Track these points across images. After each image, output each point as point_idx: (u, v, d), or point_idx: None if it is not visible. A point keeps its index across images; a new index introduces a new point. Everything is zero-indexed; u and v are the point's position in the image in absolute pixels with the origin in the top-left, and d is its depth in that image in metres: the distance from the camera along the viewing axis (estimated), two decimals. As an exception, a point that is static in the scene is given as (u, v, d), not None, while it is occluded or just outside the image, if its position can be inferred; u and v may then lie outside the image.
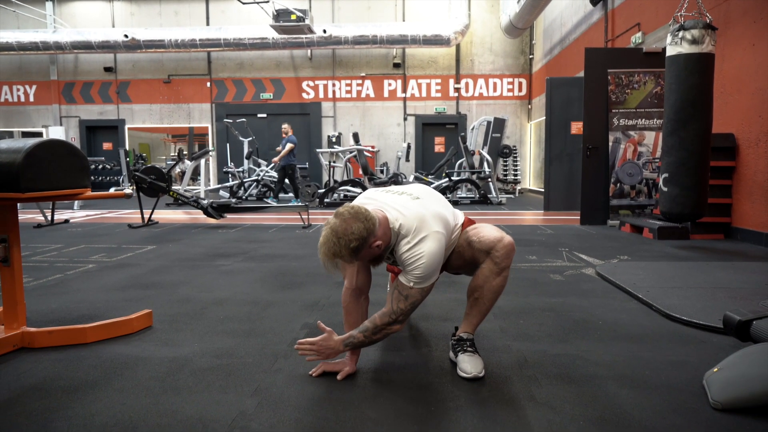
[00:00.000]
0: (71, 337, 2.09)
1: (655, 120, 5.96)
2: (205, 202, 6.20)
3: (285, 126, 9.46)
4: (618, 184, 6.07)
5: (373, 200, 1.77)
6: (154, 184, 6.16)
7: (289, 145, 9.15)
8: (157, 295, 2.92)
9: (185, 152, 13.67)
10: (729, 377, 1.59)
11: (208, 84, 13.50)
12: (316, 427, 1.45)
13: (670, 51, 4.24)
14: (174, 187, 7.84)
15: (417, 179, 10.82)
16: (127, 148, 13.70)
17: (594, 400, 1.60)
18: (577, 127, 7.75)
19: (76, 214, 7.58)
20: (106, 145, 14.13)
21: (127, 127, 13.83)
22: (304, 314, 2.54)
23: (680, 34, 4.14)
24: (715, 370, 1.66)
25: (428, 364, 1.90)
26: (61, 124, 13.83)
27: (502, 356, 1.96)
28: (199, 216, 7.18)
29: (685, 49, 4.12)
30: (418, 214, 1.68)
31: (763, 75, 4.44)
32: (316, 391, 1.67)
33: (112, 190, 11.36)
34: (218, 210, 6.18)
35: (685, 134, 4.18)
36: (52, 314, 2.54)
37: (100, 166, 12.62)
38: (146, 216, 6.25)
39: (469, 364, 1.76)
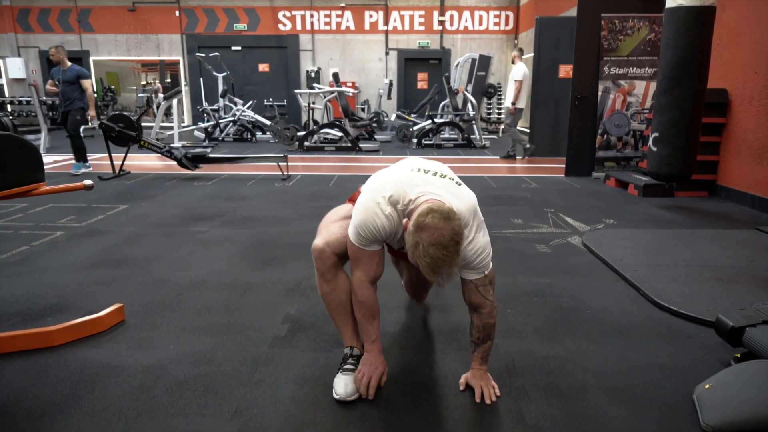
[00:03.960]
0: (37, 341, 1.97)
1: (647, 69, 5.75)
2: (179, 152, 5.92)
3: (53, 50, 6.13)
4: (605, 136, 5.94)
5: (418, 186, 1.55)
6: (123, 133, 5.83)
7: (88, 83, 6.27)
8: (129, 275, 2.79)
9: (158, 85, 13.04)
10: (721, 398, 1.56)
11: (177, 13, 12.63)
12: (299, 462, 1.39)
13: (670, 2, 3.99)
14: (147, 124, 7.47)
15: (399, 118, 10.51)
16: (94, 80, 12.98)
17: (584, 422, 1.56)
18: (565, 71, 7.49)
19: (44, 160, 7.21)
20: (71, 79, 13.32)
21: (92, 59, 13.00)
22: (286, 302, 2.45)
23: (683, -16, 3.87)
24: (707, 386, 1.63)
25: (416, 380, 1.84)
26: (19, 55, 12.94)
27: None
28: (173, 163, 6.89)
29: (687, 1, 3.88)
30: (470, 203, 1.59)
31: (763, 29, 4.23)
32: (297, 413, 1.60)
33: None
34: (193, 161, 5.92)
35: (680, 93, 4.03)
36: (18, 303, 2.40)
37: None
38: (117, 165, 5.96)
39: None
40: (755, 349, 1.74)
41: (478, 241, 1.58)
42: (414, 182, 1.57)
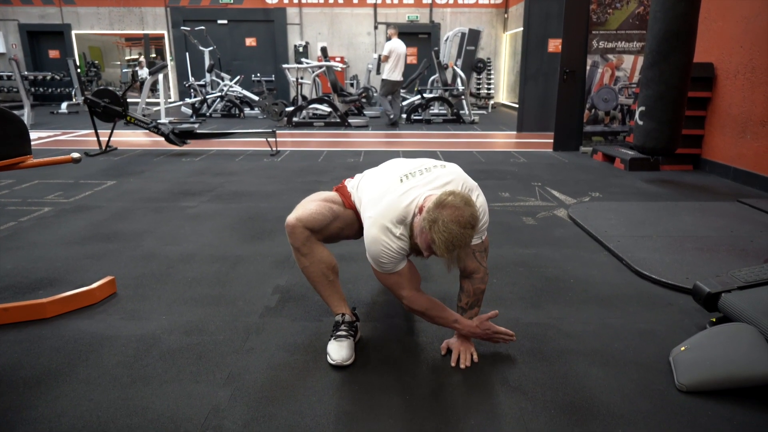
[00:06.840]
0: (30, 313, 1.99)
1: (635, 43, 5.75)
2: (166, 127, 5.86)
3: None
4: (593, 110, 5.97)
5: (412, 194, 1.60)
6: (109, 109, 5.75)
7: None
8: (119, 249, 2.80)
9: (142, 59, 12.79)
10: (695, 359, 1.63)
11: (161, -15, 12.33)
12: (291, 424, 1.44)
13: (659, -25, 3.98)
14: (132, 100, 7.37)
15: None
16: (77, 54, 12.71)
17: (565, 383, 1.63)
18: (554, 45, 7.47)
19: (27, 137, 7.10)
20: (53, 53, 13.05)
21: (74, 33, 12.71)
22: (275, 273, 2.48)
23: (671, -44, 3.86)
24: (682, 348, 1.70)
25: (403, 346, 1.89)
26: (-1, 29, 12.62)
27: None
28: (160, 139, 6.83)
29: (675, -27, 3.87)
30: (460, 175, 1.69)
31: (749, 3, 4.25)
32: (288, 378, 1.65)
33: (64, 106, 10.66)
34: (180, 136, 5.88)
35: (666, 67, 4.05)
36: (8, 278, 2.41)
37: (49, 77, 11.72)
38: (103, 141, 5.90)
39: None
40: (730, 314, 1.81)
41: (481, 202, 1.66)
42: (407, 193, 1.61)
